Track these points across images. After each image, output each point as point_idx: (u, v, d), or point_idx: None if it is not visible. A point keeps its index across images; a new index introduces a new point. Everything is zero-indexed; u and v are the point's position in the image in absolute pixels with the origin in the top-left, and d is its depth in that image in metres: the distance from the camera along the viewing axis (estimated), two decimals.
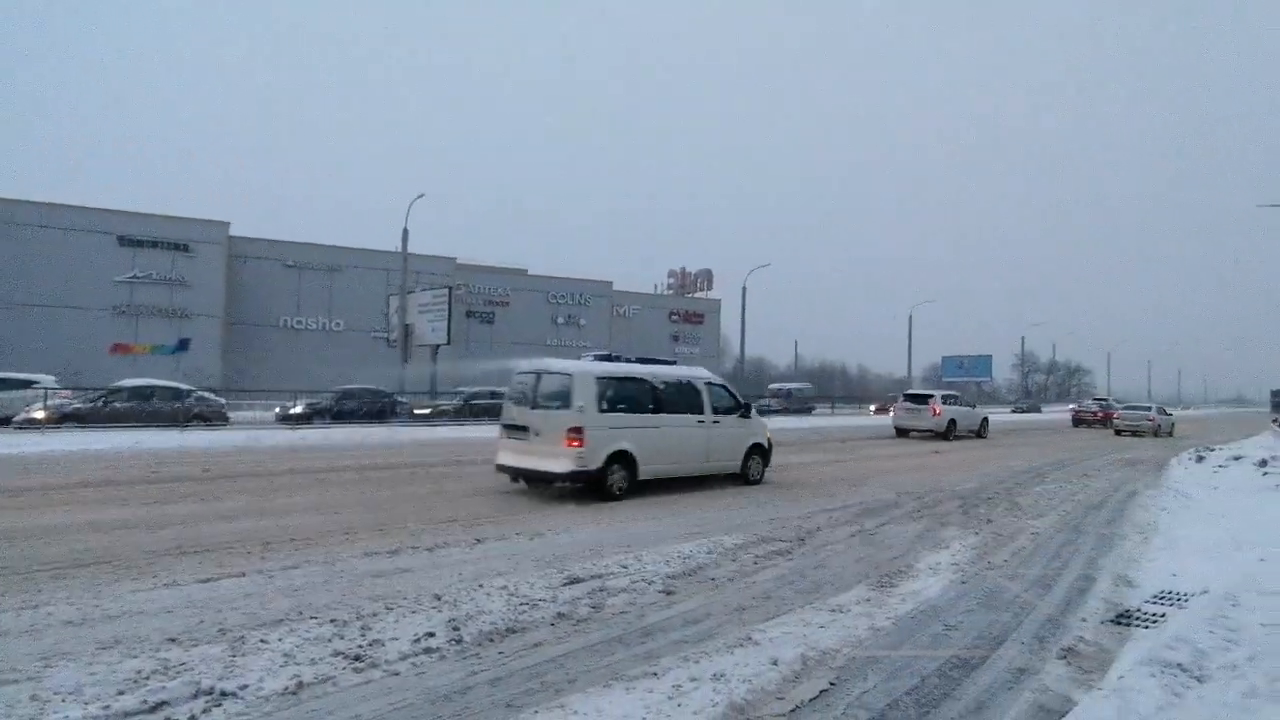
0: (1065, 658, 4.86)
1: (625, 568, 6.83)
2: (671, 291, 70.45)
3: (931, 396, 28.80)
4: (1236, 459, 18.55)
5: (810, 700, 4.08)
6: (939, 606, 5.97)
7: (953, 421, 27.76)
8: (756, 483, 13.04)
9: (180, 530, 8.03)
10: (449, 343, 37.72)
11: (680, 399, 12.20)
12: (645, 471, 11.29)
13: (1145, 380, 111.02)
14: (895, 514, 10.32)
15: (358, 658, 4.47)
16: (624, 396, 11.39)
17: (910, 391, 31.83)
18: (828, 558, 7.58)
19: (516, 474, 11.20)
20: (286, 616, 5.18)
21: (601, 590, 6.09)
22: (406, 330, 37.11)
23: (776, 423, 34.90)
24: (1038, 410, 72.64)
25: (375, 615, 5.24)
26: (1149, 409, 37.78)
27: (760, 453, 13.33)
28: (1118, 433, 35.92)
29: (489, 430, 23.77)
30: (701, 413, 12.34)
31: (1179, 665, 4.12)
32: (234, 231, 45.99)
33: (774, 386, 52.33)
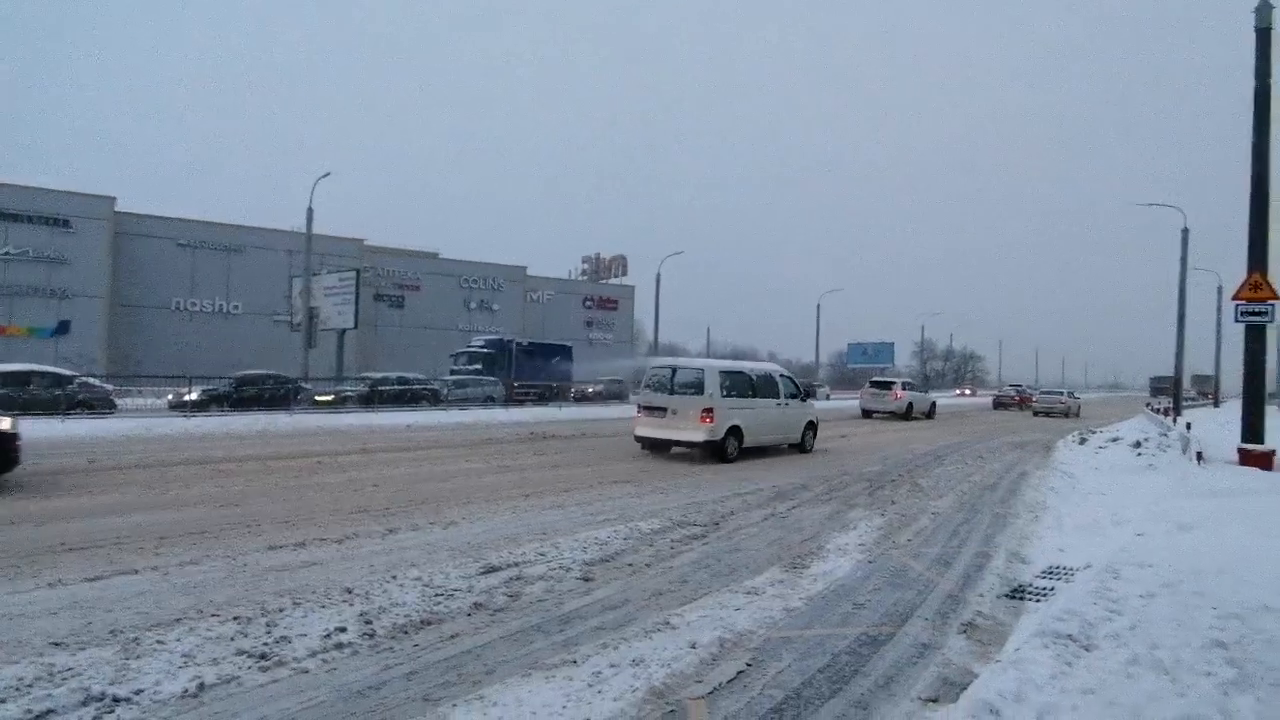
0: (966, 632, 5.11)
1: (543, 555, 6.79)
2: (585, 277, 70.20)
3: (894, 383, 33.85)
4: (1115, 440, 19.88)
5: (728, 682, 4.15)
6: (848, 586, 6.18)
7: (910, 404, 32.69)
8: (809, 451, 16.71)
9: (64, 526, 7.52)
10: (356, 327, 36.51)
11: (766, 387, 15.76)
12: (748, 441, 14.81)
13: (1033, 366, 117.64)
14: (805, 497, 10.61)
15: (264, 656, 4.30)
16: (734, 385, 14.84)
17: (876, 379, 36.45)
18: (742, 541, 7.73)
19: (655, 443, 14.91)
20: (185, 615, 4.93)
21: (519, 579, 6.03)
22: (311, 314, 35.72)
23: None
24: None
25: (282, 611, 5.04)
26: (1061, 393, 43.49)
27: (812, 428, 17.09)
28: (1035, 414, 40.74)
29: (399, 417, 23.29)
30: (779, 397, 16.02)
31: (1069, 636, 4.39)
32: (121, 207, 43.20)
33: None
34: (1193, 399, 55.85)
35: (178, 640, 4.45)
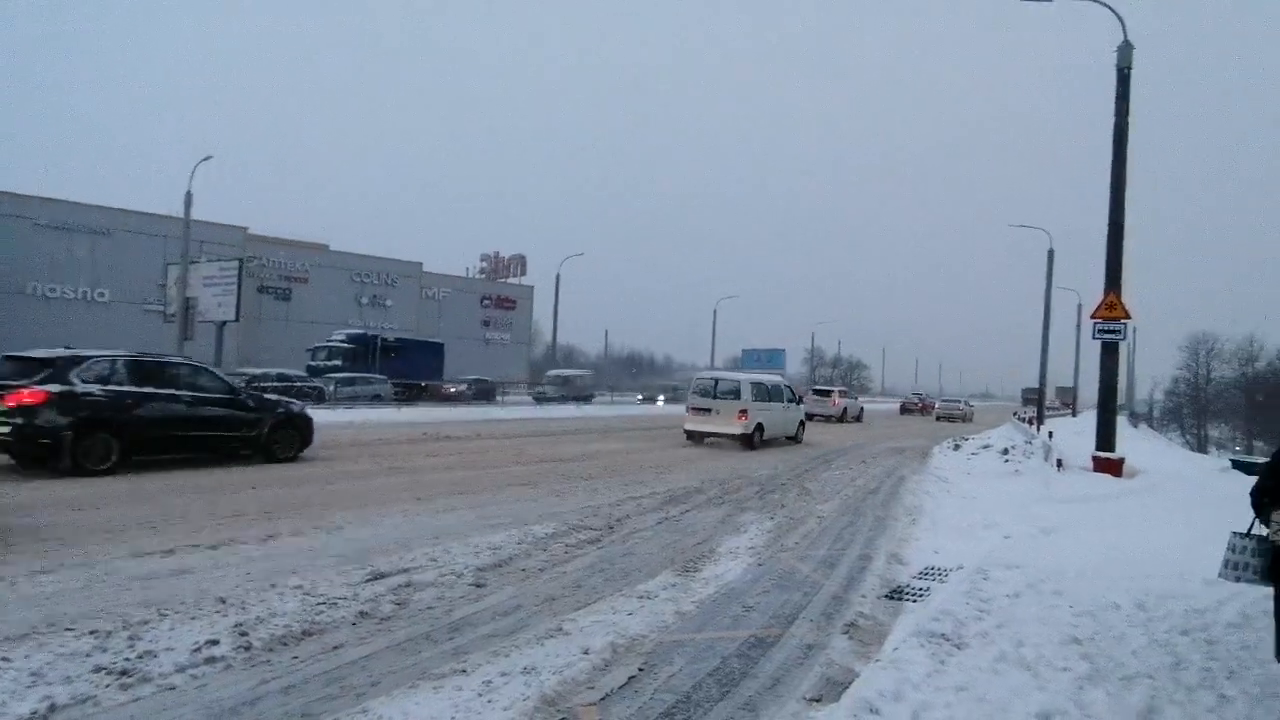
0: (848, 633, 5.30)
1: (434, 561, 6.63)
2: (484, 276, 69.14)
3: (832, 391, 39.25)
4: (985, 447, 21.14)
5: (620, 688, 4.16)
6: (738, 589, 6.31)
7: (845, 409, 38.06)
8: (800, 443, 21.53)
9: None
10: (237, 319, 34.63)
11: (776, 394, 20.34)
12: (767, 435, 19.38)
13: (912, 375, 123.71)
14: (698, 500, 10.78)
15: (125, 673, 4.00)
16: (758, 392, 19.17)
17: (817, 386, 42.89)
18: (636, 545, 7.78)
19: (702, 436, 19.07)
20: (34, 630, 4.54)
21: (408, 585, 5.86)
22: (187, 304, 33.65)
23: (556, 411, 35.38)
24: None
25: (146, 624, 4.72)
26: (959, 401, 53.60)
27: (803, 425, 22.33)
28: (938, 418, 47.64)
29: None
30: (784, 401, 20.73)
31: (942, 635, 4.63)
32: None
33: (552, 373, 46.93)
34: (1055, 409, 60.23)
35: (26, 658, 4.09)
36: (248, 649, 4.43)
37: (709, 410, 18.68)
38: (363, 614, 5.16)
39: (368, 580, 5.92)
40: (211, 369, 13.11)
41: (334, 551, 6.82)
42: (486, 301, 67.45)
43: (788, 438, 21.16)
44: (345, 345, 35.39)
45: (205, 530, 7.43)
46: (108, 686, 3.84)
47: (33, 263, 41.82)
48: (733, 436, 18.47)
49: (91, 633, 4.51)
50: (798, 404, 22.11)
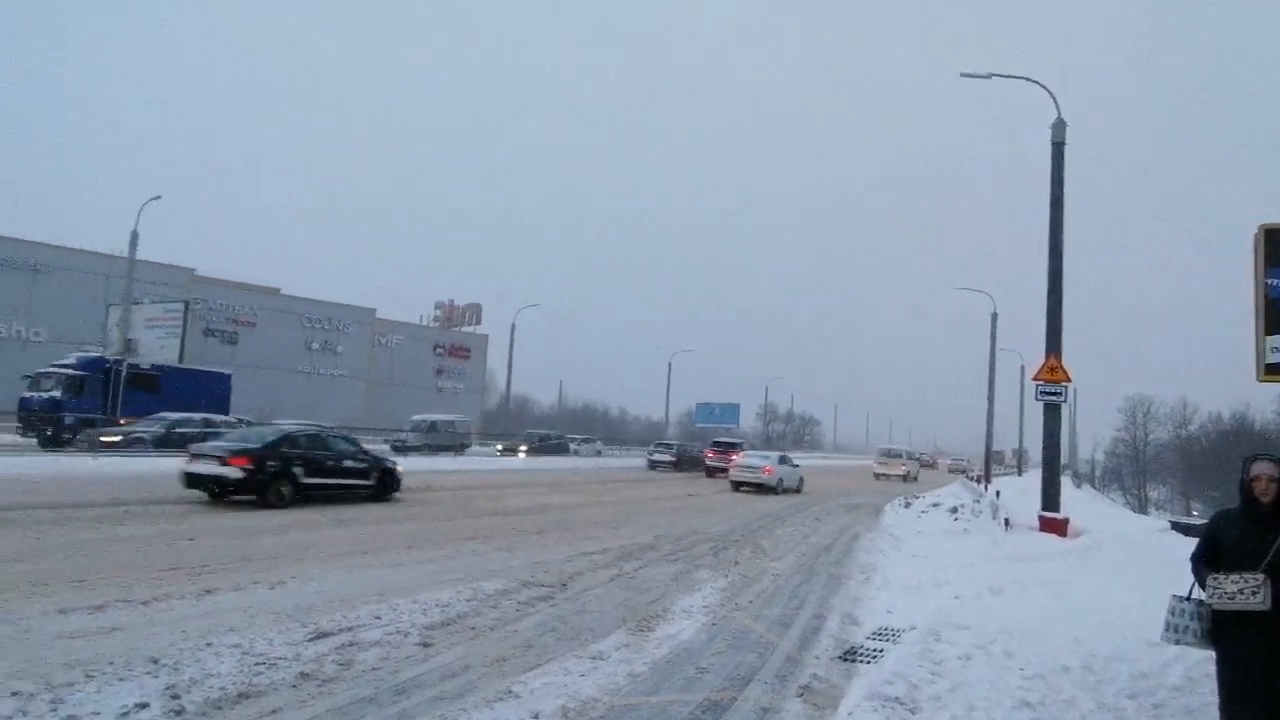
0: (802, 695, 5.25)
1: (379, 618, 6.42)
2: (438, 324, 68.66)
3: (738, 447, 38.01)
4: (935, 506, 21.40)
5: None
6: (692, 649, 6.22)
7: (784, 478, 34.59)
8: (799, 493, 26.90)
9: None
10: (181, 362, 33.79)
11: (788, 460, 28.93)
12: (785, 486, 26.58)
13: (865, 431, 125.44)
14: (651, 556, 10.68)
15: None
16: (780, 459, 28.16)
17: (720, 439, 40.93)
18: (589, 602, 7.65)
19: (739, 484, 26.26)
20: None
21: (352, 644, 5.66)
22: (129, 345, 32.73)
23: (557, 463, 35.05)
24: None
25: (71, 685, 4.46)
26: (900, 455, 49.55)
27: (801, 480, 28.36)
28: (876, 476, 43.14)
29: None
30: (791, 464, 28.45)
31: (896, 699, 4.62)
32: None
33: (417, 418, 39.66)
34: (1014, 468, 61.82)
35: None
36: (180, 713, 4.20)
37: (751, 466, 26.81)
38: (303, 675, 4.95)
39: (310, 639, 5.69)
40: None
41: (275, 608, 6.56)
42: (440, 349, 66.87)
43: (786, 489, 26.77)
44: (73, 373, 26.80)
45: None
46: None
47: None
48: (764, 485, 25.86)
49: (13, 694, 4.24)
50: (794, 466, 28.69)
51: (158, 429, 25.01)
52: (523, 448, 41.41)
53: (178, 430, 25.15)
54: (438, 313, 69.29)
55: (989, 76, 15.69)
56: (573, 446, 45.68)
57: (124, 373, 27.54)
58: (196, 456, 14.11)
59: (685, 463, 37.03)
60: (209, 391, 30.99)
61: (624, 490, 23.65)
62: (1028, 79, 15.74)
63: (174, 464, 17.19)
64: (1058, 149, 15.30)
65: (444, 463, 30.50)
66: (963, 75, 15.93)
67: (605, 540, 11.96)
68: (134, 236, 30.97)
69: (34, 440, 25.45)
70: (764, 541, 13.06)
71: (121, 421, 26.29)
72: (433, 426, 38.88)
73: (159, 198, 30.35)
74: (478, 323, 69.21)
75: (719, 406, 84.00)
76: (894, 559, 11.79)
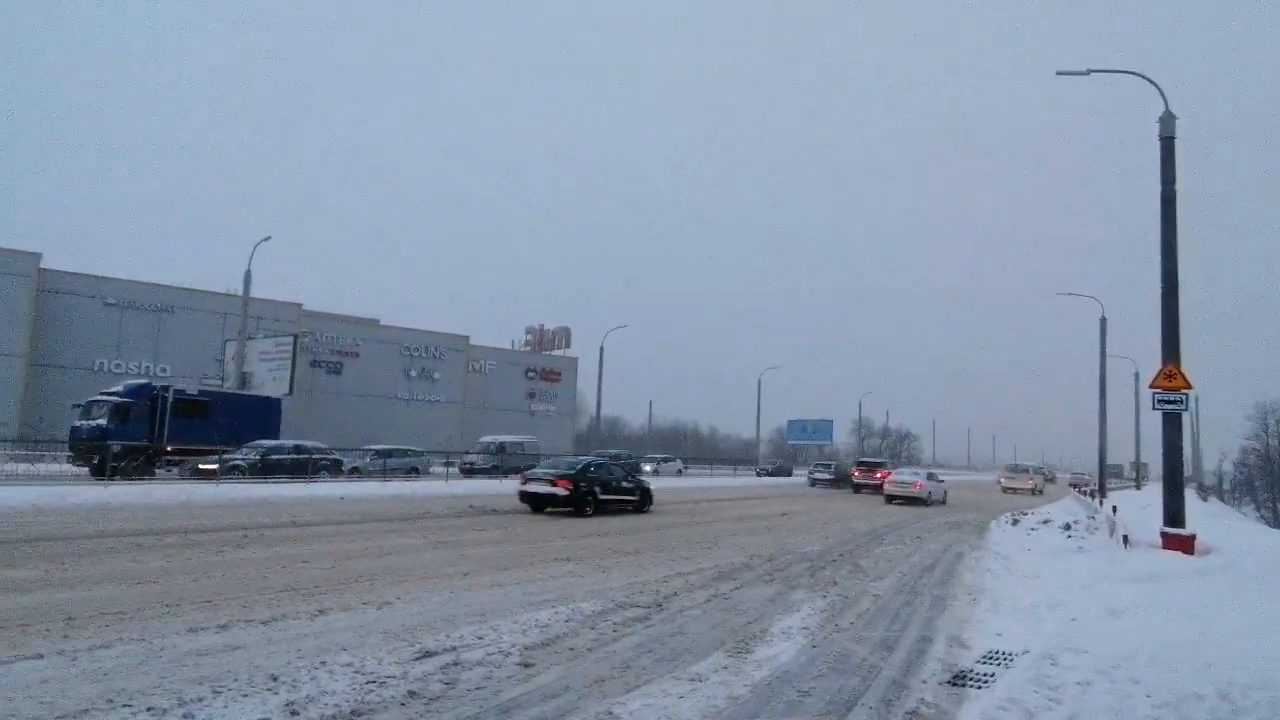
0: None
1: (480, 639, 6.57)
2: (529, 348, 70.11)
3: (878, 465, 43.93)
4: (1045, 523, 20.39)
5: None
6: (792, 672, 6.10)
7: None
8: (944, 504, 31.49)
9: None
10: (291, 393, 35.61)
11: (934, 474, 33.51)
12: (933, 499, 30.78)
13: (966, 446, 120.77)
14: (747, 577, 10.55)
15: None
16: (930, 476, 32.90)
17: (865, 459, 48.61)
18: (685, 623, 7.61)
19: (893, 497, 30.42)
20: (93, 705, 4.59)
21: (455, 664, 5.80)
22: (244, 379, 34.77)
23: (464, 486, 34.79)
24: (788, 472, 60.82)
25: (200, 700, 4.74)
26: (1028, 470, 55.05)
27: (945, 493, 32.62)
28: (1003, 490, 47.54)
29: (297, 489, 21.83)
30: (941, 480, 32.01)
31: None
32: (46, 264, 41.81)
33: (486, 439, 39.38)
34: (1131, 481, 58.22)
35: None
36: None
37: (904, 482, 31.21)
38: (411, 693, 5.10)
39: (416, 658, 5.88)
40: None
41: (383, 628, 6.80)
42: (531, 374, 68.19)
43: (939, 501, 31.24)
44: (121, 400, 26.04)
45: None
46: None
47: (100, 339, 43.69)
48: (914, 499, 29.91)
49: (149, 709, 4.53)
50: (940, 481, 32.85)
51: (254, 456, 26.09)
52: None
53: (272, 457, 26.37)
54: (528, 337, 70.78)
55: (1088, 73, 15.02)
56: (649, 466, 43.14)
57: (170, 399, 26.73)
58: (530, 479, 19.03)
59: (841, 480, 42.13)
60: (258, 417, 30.24)
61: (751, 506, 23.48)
62: (1132, 73, 14.99)
63: (274, 490, 18.13)
64: (1167, 144, 14.48)
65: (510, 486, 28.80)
66: (1059, 74, 15.31)
67: (699, 560, 11.88)
68: (247, 275, 33.00)
69: (84, 470, 24.58)
70: (863, 561, 12.70)
71: (168, 449, 26.32)
72: (501, 448, 37.80)
73: (269, 238, 32.27)
74: (567, 346, 70.30)
75: (811, 423, 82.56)
76: (1003, 579, 11.28)
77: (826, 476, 43.16)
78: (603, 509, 19.05)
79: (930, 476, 32.93)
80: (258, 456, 26.21)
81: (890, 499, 30.79)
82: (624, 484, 20.50)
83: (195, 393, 28.82)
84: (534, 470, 20.05)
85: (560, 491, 18.13)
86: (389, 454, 32.31)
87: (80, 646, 5.82)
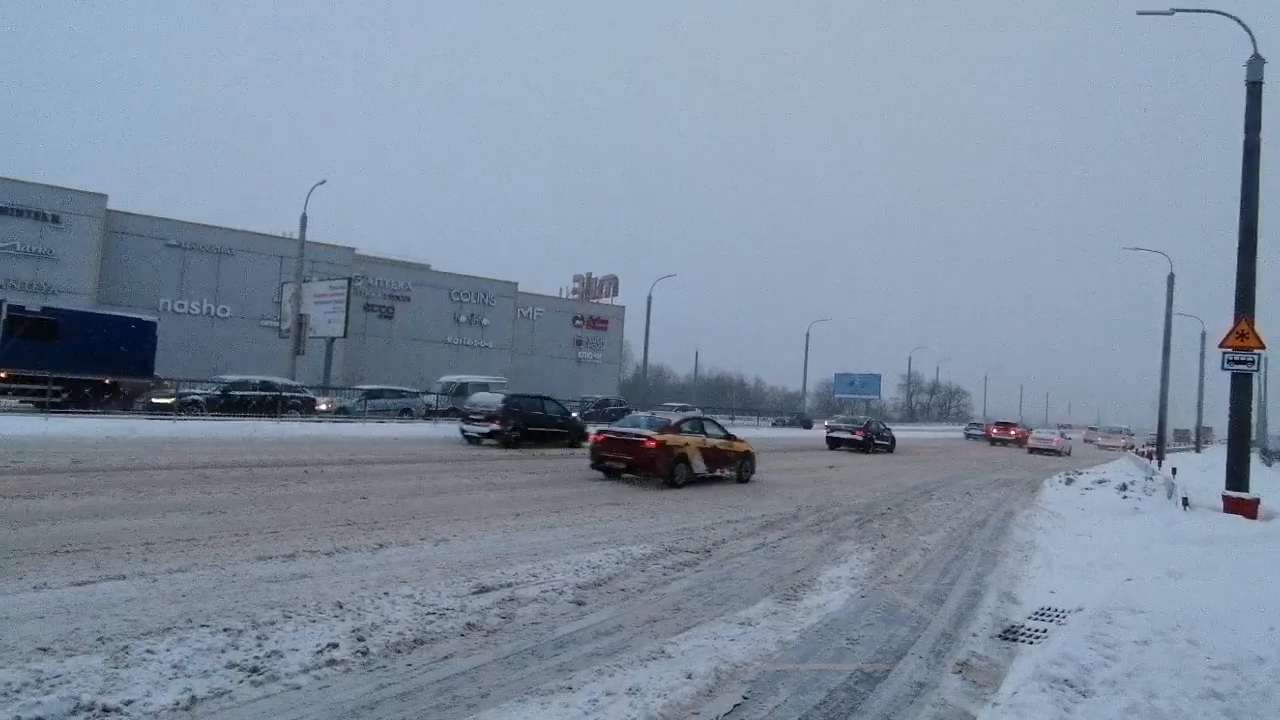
0: (961, 672, 5.09)
1: (535, 576, 6.74)
2: (576, 296, 70.25)
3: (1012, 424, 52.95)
4: (1100, 482, 19.97)
5: (725, 715, 4.12)
6: (841, 620, 6.15)
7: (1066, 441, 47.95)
8: (1069, 456, 40.85)
9: (48, 528, 7.40)
10: (346, 335, 36.39)
11: (1064, 431, 51.72)
12: (1066, 450, 42.19)
13: (1017, 403, 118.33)
14: (795, 527, 10.59)
15: (255, 670, 4.23)
16: (1062, 430, 52.06)
17: (1002, 420, 56.99)
18: (733, 570, 7.70)
19: (1034, 449, 41.22)
20: (174, 624, 4.85)
21: (511, 600, 5.98)
22: (301, 321, 35.58)
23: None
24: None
25: (273, 624, 4.97)
26: (1121, 430, 63.43)
27: (1071, 447, 44.03)
28: (1030, 451, 42.34)
29: (382, 429, 22.98)
30: (1069, 437, 44.47)
31: (1066, 681, 4.38)
32: (112, 205, 42.99)
33: (590, 397, 40.39)
34: (1190, 444, 56.52)
35: (167, 650, 4.37)
36: (365, 654, 4.59)
37: (1044, 439, 41.62)
38: (470, 625, 5.29)
39: (474, 593, 6.07)
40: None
41: (440, 563, 7.02)
42: (579, 321, 68.42)
43: (1067, 454, 38.01)
44: None
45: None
46: (240, 682, 4.06)
47: (163, 280, 44.99)
48: (1052, 450, 39.63)
49: (225, 630, 4.77)
50: (1069, 437, 43.48)
51: (214, 392, 25.44)
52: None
53: (234, 392, 25.44)
54: (576, 285, 70.89)
55: (1171, 13, 14.17)
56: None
57: (4, 316, 21.64)
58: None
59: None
60: (127, 342, 24.59)
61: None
62: (1219, 12, 14.10)
63: (359, 430, 18.52)
64: (1254, 89, 13.68)
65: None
66: (1140, 13, 14.49)
67: (747, 509, 11.95)
68: (303, 219, 33.50)
69: None
70: (911, 515, 12.64)
71: (1, 375, 21.15)
72: (461, 389, 32.90)
73: (324, 182, 32.60)
74: (615, 295, 70.25)
75: (859, 377, 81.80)
76: (1055, 537, 11.12)
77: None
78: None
79: (1062, 435, 43.83)
80: (219, 392, 25.41)
81: (1032, 450, 40.84)
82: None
83: (38, 310, 23.38)
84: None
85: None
86: (378, 394, 30.58)
87: (158, 570, 6.11)
